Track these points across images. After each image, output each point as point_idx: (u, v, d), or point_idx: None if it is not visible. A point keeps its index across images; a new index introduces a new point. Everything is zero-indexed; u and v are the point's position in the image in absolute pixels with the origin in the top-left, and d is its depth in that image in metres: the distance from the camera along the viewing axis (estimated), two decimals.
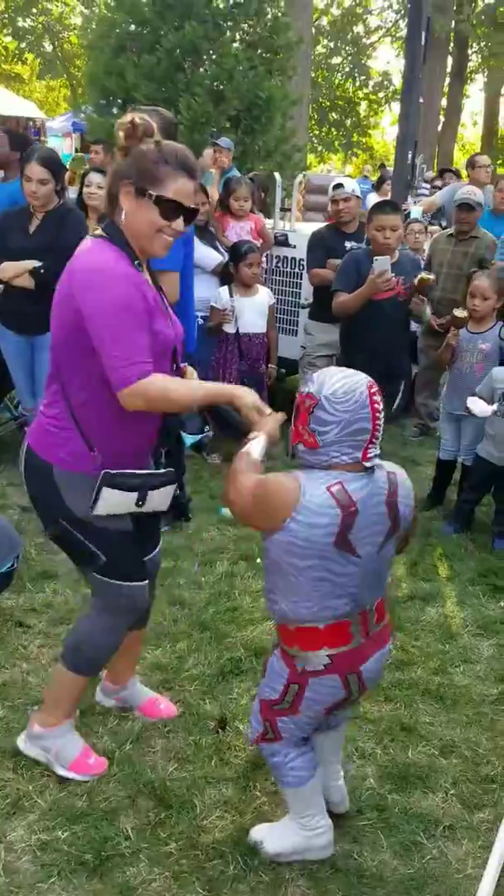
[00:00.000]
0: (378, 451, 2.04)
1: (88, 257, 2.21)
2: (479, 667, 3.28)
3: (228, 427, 2.32)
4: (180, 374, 2.47)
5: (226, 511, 4.55)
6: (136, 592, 2.45)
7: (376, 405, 2.00)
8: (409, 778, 2.63)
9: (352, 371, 2.04)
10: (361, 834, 2.41)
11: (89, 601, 2.58)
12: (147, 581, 2.51)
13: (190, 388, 2.26)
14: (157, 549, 2.70)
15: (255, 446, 2.14)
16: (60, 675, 2.54)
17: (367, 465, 2.01)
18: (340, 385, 1.98)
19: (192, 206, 2.26)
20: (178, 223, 2.23)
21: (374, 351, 4.41)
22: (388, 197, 7.59)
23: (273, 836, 2.31)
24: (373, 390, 2.00)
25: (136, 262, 2.24)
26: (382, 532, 2.06)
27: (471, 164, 7.15)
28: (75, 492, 2.29)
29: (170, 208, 2.20)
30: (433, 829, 2.45)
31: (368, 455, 2.01)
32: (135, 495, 2.30)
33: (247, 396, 2.23)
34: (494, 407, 4.19)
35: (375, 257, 4.16)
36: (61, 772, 2.54)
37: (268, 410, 2.23)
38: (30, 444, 2.38)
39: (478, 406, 4.22)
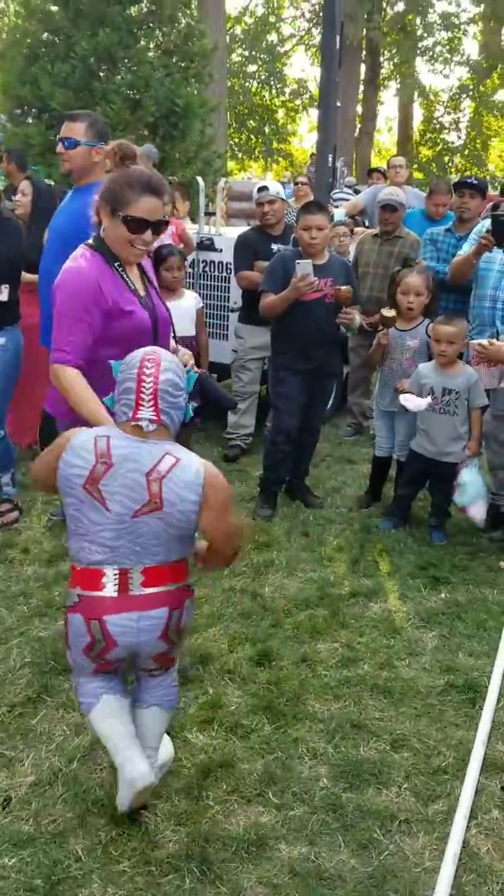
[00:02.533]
0: (148, 416, 2.18)
1: (69, 262, 2.70)
2: (424, 659, 3.30)
3: (209, 401, 2.76)
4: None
5: None
6: None
7: (145, 369, 2.20)
8: (362, 775, 2.62)
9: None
10: (317, 835, 2.38)
11: None
12: None
13: (85, 402, 2.60)
14: None
15: None
16: None
17: (133, 423, 2.19)
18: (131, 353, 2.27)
19: (157, 219, 2.64)
20: (146, 235, 2.65)
21: (304, 352, 4.42)
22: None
23: None
24: (149, 358, 2.22)
25: (115, 264, 2.71)
26: (138, 501, 2.16)
27: (389, 166, 7.36)
28: None
29: (136, 224, 2.61)
30: (389, 824, 2.44)
31: (136, 416, 2.19)
32: None
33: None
34: (428, 399, 4.23)
35: (297, 261, 4.16)
36: None
37: None
38: None
39: (411, 402, 4.25)
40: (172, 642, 2.32)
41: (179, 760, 2.65)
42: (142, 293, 2.81)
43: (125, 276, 2.75)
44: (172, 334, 2.94)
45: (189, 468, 2.19)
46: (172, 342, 2.91)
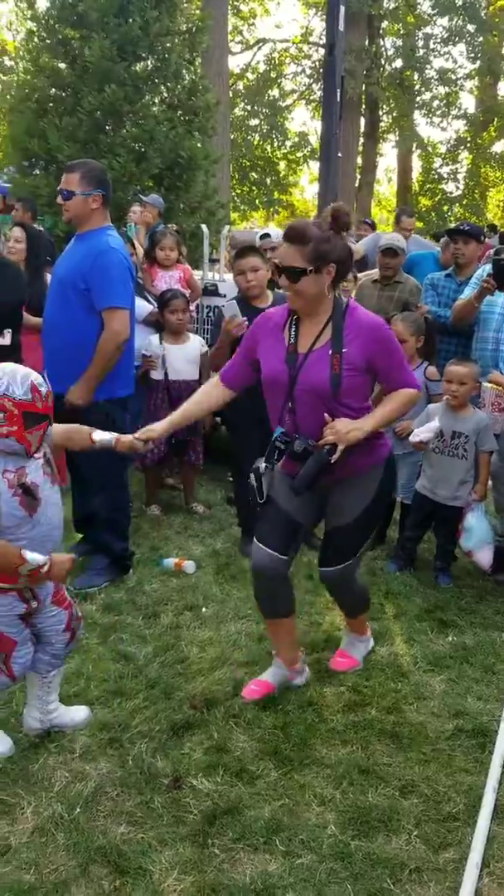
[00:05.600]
0: None
1: None
2: (432, 703, 3.25)
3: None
4: (294, 412, 2.90)
5: (167, 562, 4.46)
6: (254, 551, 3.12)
7: None
8: (370, 822, 2.56)
9: None
10: (326, 885, 2.32)
11: None
12: (266, 548, 3.07)
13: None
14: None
15: None
16: None
17: None
18: None
19: (288, 266, 2.73)
20: (281, 280, 2.80)
21: None
22: None
23: None
24: None
25: (293, 316, 2.89)
26: None
27: (398, 221, 7.50)
28: None
29: (276, 271, 2.84)
30: (399, 873, 2.37)
31: None
32: None
33: None
34: (436, 423, 4.22)
35: (223, 304, 4.23)
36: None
37: None
38: None
39: (422, 433, 4.23)
40: None
41: (184, 807, 2.59)
42: (301, 350, 2.86)
43: (292, 329, 2.89)
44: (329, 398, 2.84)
45: None
46: (343, 420, 2.84)
